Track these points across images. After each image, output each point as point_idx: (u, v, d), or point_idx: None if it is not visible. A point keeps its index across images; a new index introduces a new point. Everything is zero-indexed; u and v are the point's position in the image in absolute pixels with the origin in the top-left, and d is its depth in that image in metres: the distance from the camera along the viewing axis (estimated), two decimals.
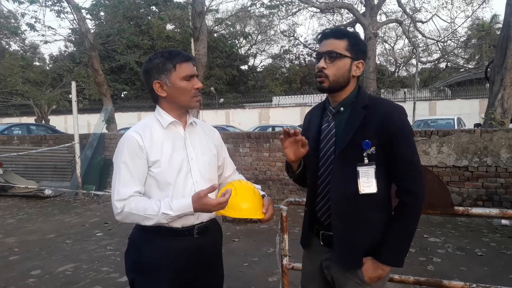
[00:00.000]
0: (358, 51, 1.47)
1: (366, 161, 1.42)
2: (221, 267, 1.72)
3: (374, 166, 1.42)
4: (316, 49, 1.55)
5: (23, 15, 9.29)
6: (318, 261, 1.59)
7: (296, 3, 22.56)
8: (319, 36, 1.53)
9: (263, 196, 1.61)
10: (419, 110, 18.60)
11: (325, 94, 1.58)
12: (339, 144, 1.47)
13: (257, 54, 35.36)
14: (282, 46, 33.91)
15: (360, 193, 1.42)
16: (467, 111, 18.53)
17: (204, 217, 1.58)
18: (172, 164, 1.51)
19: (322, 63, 1.47)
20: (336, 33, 1.49)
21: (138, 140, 1.49)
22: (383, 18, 27.03)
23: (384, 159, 1.43)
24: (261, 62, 37.47)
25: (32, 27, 9.01)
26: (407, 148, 1.42)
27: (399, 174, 1.43)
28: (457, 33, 25.62)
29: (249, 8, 11.03)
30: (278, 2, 8.76)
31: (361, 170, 1.42)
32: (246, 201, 1.51)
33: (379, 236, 1.45)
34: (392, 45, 30.45)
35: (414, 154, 1.44)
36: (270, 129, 15.02)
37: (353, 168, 1.43)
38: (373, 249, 1.45)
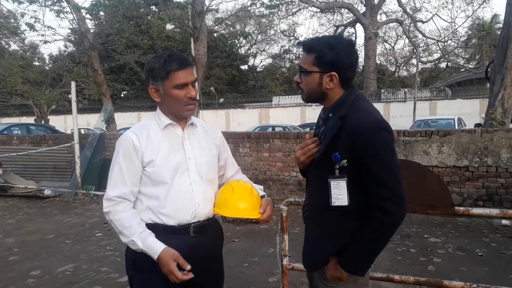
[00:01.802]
0: (326, 63, 1.41)
1: (337, 173, 1.39)
2: (221, 267, 1.71)
3: (346, 179, 1.38)
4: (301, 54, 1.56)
5: (22, 15, 9.31)
6: None
7: (296, 3, 22.58)
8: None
9: (262, 197, 1.61)
10: (420, 110, 18.63)
11: None
12: (318, 153, 1.47)
13: (257, 54, 35.40)
14: (282, 46, 33.96)
15: (331, 205, 1.41)
16: (468, 111, 18.53)
17: (201, 215, 1.57)
18: (168, 164, 1.52)
19: (296, 77, 1.50)
20: (306, 46, 1.47)
21: (133, 140, 1.51)
22: (383, 18, 27.09)
23: (357, 172, 1.38)
24: (261, 62, 37.50)
25: (31, 27, 9.01)
26: (376, 166, 1.35)
27: (371, 192, 1.38)
28: (457, 33, 25.70)
29: (249, 8, 11.03)
30: (278, 2, 8.75)
31: (332, 182, 1.40)
32: (243, 201, 1.52)
33: (346, 242, 1.44)
34: (392, 45, 30.52)
35: (386, 172, 1.35)
36: (270, 129, 15.01)
37: (325, 179, 1.42)
38: (340, 252, 1.46)
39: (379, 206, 1.35)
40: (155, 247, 1.45)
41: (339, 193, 1.40)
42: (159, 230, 1.51)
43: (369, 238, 1.39)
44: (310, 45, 1.46)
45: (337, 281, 1.45)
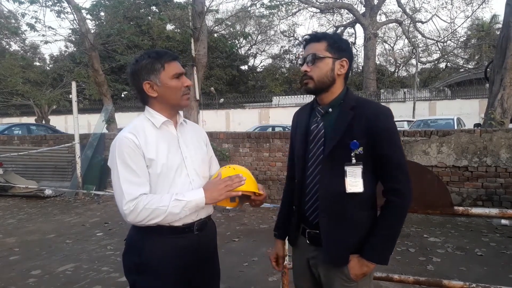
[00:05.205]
0: (339, 49, 1.51)
1: (353, 161, 1.45)
2: (218, 262, 1.74)
3: (361, 166, 1.45)
4: (301, 54, 1.60)
5: (23, 15, 9.30)
6: (305, 259, 1.63)
7: (296, 3, 22.59)
8: (302, 42, 1.60)
9: None
10: (419, 110, 18.62)
11: None
12: (328, 144, 1.50)
13: (257, 54, 35.37)
14: (282, 46, 33.98)
15: (346, 192, 1.45)
16: (467, 111, 18.51)
17: (203, 213, 1.59)
18: (169, 164, 1.50)
19: (305, 67, 1.53)
20: (315, 36, 1.55)
21: (133, 140, 1.46)
22: (383, 18, 27.09)
23: (371, 159, 1.46)
24: (261, 62, 37.50)
25: (32, 27, 9.02)
26: (393, 150, 1.46)
27: (386, 175, 1.48)
28: (456, 33, 25.70)
29: (249, 8, 11.03)
30: (278, 2, 8.75)
31: (348, 169, 1.46)
32: (249, 176, 1.61)
33: (365, 234, 1.48)
34: (392, 45, 30.54)
35: (401, 155, 1.48)
36: (270, 129, 15.01)
37: (341, 168, 1.47)
38: (359, 247, 1.48)
39: (395, 188, 1.45)
40: (195, 193, 1.49)
41: (354, 180, 1.46)
42: (164, 231, 1.50)
43: (388, 224, 1.47)
44: (320, 35, 1.54)
45: (362, 277, 1.48)
